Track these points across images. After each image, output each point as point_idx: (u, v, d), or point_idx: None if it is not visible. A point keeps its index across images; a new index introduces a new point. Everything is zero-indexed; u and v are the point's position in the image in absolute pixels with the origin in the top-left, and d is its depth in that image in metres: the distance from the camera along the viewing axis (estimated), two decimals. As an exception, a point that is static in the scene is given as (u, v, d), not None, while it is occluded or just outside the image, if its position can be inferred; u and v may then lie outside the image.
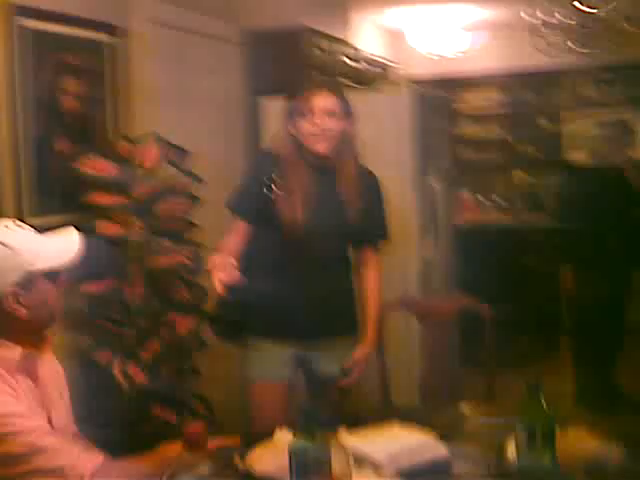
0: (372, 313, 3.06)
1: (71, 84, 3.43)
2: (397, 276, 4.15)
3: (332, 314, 3.00)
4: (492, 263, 5.87)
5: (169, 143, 3.48)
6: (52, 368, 2.17)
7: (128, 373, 3.20)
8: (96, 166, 3.30)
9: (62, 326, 3.21)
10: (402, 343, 3.77)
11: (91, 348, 3.30)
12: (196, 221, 3.53)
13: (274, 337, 3.02)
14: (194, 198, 3.46)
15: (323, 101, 2.94)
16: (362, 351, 3.03)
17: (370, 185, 3.08)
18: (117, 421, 3.33)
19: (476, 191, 7.42)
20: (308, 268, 2.97)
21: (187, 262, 3.35)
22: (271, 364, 3.02)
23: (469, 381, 3.37)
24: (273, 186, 2.96)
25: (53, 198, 3.32)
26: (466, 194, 6.71)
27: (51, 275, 2.01)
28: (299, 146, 2.98)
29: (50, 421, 2.06)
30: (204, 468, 1.51)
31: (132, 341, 3.31)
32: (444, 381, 3.31)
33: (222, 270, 2.74)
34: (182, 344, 3.39)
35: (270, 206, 2.96)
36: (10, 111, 3.10)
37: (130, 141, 3.45)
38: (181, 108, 4.24)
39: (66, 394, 2.22)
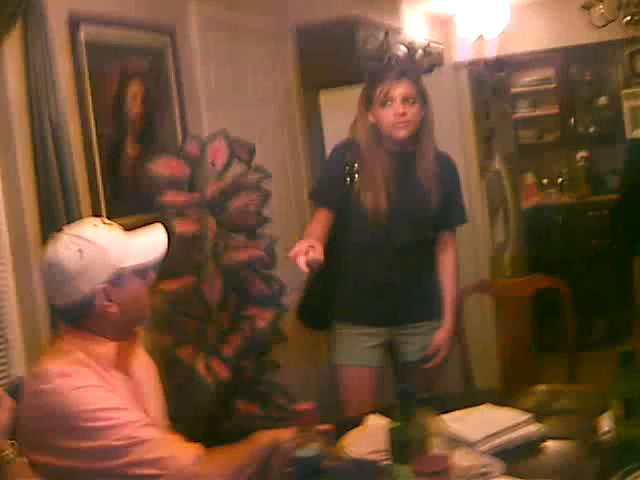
0: (451, 297, 3.08)
1: (135, 88, 3.48)
2: (470, 261, 4.15)
3: (415, 299, 3.03)
4: (561, 245, 5.82)
5: (237, 140, 3.51)
6: (145, 363, 2.20)
7: (211, 368, 3.24)
8: (168, 166, 3.34)
9: (146, 324, 3.30)
10: (481, 327, 3.76)
11: (173, 346, 3.35)
12: (267, 215, 3.56)
13: (359, 323, 3.06)
14: (265, 193, 3.49)
15: (403, 89, 2.98)
16: (442, 335, 3.05)
17: (448, 169, 3.12)
18: (202, 417, 3.39)
19: (539, 174, 7.33)
20: (390, 253, 3.01)
21: (262, 256, 3.38)
22: (360, 350, 3.06)
23: (549, 364, 3.34)
24: (354, 174, 3.01)
25: (128, 200, 3.38)
26: (530, 177, 6.64)
27: (140, 272, 2.04)
28: (379, 134, 3.03)
29: (146, 415, 2.09)
30: (316, 447, 1.51)
31: (213, 337, 3.36)
32: (522, 364, 3.29)
33: (306, 253, 2.70)
34: (262, 337, 3.42)
35: (352, 194, 3.01)
36: (81, 119, 3.16)
37: (199, 140, 3.49)
38: (242, 105, 4.27)
39: (159, 389, 2.25)
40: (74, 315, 2.00)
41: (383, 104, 2.99)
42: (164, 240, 2.09)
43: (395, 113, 2.97)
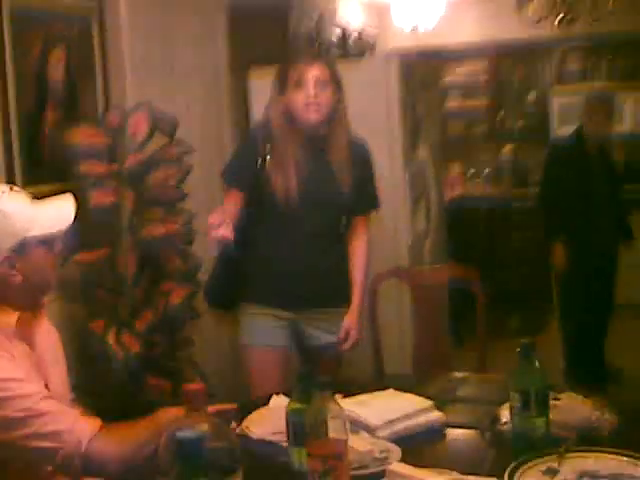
0: (359, 280, 3.07)
1: (59, 55, 3.40)
2: (389, 248, 4.18)
3: (325, 284, 3.03)
4: (481, 237, 5.91)
5: (159, 112, 3.47)
6: (48, 334, 2.17)
7: (123, 342, 3.21)
8: (87, 136, 3.28)
9: (57, 295, 3.24)
10: (395, 313, 3.79)
11: (86, 318, 3.31)
12: (187, 190, 3.53)
13: (267, 304, 3.05)
14: (186, 167, 3.45)
15: (316, 72, 2.95)
16: (350, 319, 3.05)
17: (361, 154, 3.10)
18: (112, 390, 3.36)
19: (465, 164, 7.42)
20: (300, 237, 3.00)
21: (180, 231, 3.35)
22: (266, 330, 3.06)
23: (460, 352, 3.39)
24: (266, 156, 3.00)
25: (45, 168, 3.31)
26: (455, 167, 6.73)
27: (46, 242, 2.00)
28: (291, 116, 3.00)
29: (47, 387, 2.05)
30: (204, 428, 1.51)
31: (126, 310, 3.32)
32: (436, 351, 3.34)
33: (218, 228, 2.70)
34: (176, 313, 3.39)
35: (263, 176, 2.99)
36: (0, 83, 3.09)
37: (121, 110, 3.44)
38: (169, 79, 4.22)
39: (62, 360, 2.22)
40: None
41: (296, 86, 2.97)
42: (72, 211, 2.05)
43: (307, 95, 2.94)
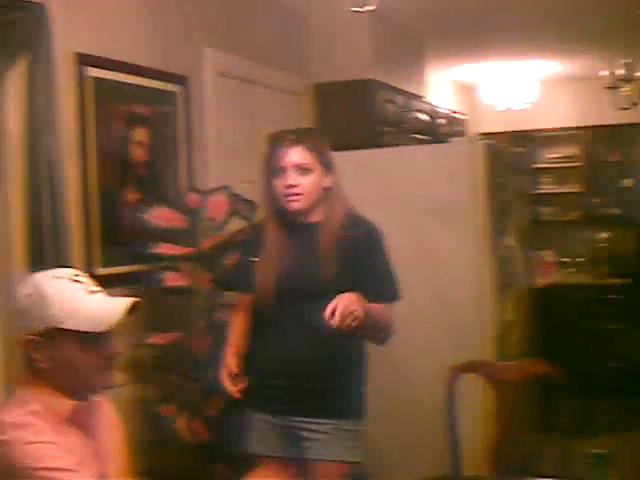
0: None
1: (141, 135, 3.44)
2: (473, 338, 4.02)
3: (318, 388, 2.74)
4: (573, 328, 5.70)
5: (238, 196, 3.45)
6: (110, 424, 2.12)
7: (193, 428, 3.14)
8: (165, 217, 3.28)
9: (129, 377, 3.21)
10: (475, 410, 3.62)
11: (157, 401, 3.26)
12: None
13: (254, 408, 2.83)
14: (263, 251, 3.40)
15: (296, 157, 2.75)
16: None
17: (362, 239, 2.78)
18: (179, 476, 3.28)
19: (559, 251, 7.20)
20: (283, 335, 2.76)
21: (254, 316, 3.28)
22: (261, 438, 2.83)
23: (543, 450, 3.20)
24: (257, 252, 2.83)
25: (122, 248, 3.31)
26: (548, 254, 6.52)
27: (85, 340, 1.92)
28: (276, 207, 2.82)
29: (104, 475, 2.01)
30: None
31: (198, 395, 3.25)
32: (518, 451, 3.15)
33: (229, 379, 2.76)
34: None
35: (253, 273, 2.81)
36: (80, 161, 3.11)
37: (200, 193, 3.43)
38: (251, 161, 4.22)
39: (124, 451, 2.16)
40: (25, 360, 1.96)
41: (275, 173, 2.77)
42: (119, 315, 1.95)
43: (285, 184, 2.75)
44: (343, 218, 2.79)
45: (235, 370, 2.78)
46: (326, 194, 2.80)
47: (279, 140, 2.79)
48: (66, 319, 1.90)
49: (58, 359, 1.92)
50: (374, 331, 2.76)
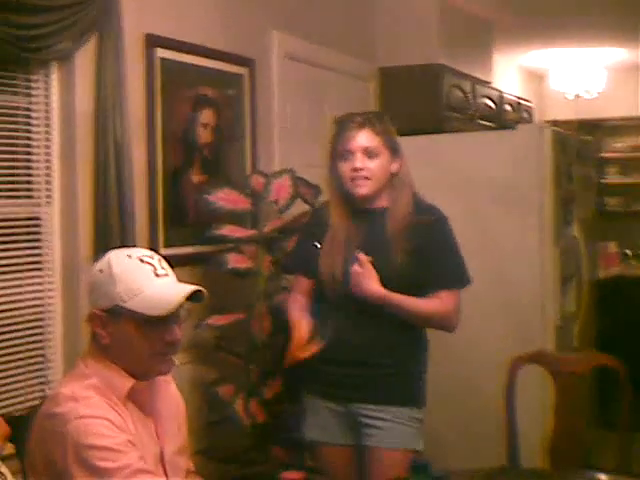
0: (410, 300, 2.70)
1: (207, 117, 3.45)
2: (536, 329, 3.97)
3: (381, 376, 2.74)
4: (634, 319, 5.58)
5: (302, 180, 3.45)
6: (171, 401, 2.13)
7: (250, 410, 3.16)
8: (229, 199, 3.29)
9: (189, 357, 3.24)
10: (535, 401, 3.57)
11: (215, 382, 3.29)
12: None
13: (319, 396, 2.82)
14: (325, 236, 3.40)
15: (363, 141, 2.71)
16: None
17: (431, 226, 2.76)
18: (236, 457, 3.31)
19: (623, 243, 7.06)
20: (350, 323, 2.74)
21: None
22: (323, 425, 2.82)
23: (603, 447, 3.15)
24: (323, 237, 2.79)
25: (187, 230, 3.34)
26: (612, 246, 6.39)
27: (141, 319, 1.92)
28: (342, 191, 2.78)
29: (162, 454, 2.02)
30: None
31: (256, 377, 3.27)
32: (576, 445, 3.10)
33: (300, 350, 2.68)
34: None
35: (318, 258, 2.78)
36: (147, 143, 3.14)
37: (265, 176, 3.44)
38: (315, 145, 4.22)
39: (184, 430, 2.17)
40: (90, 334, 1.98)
41: (343, 157, 2.73)
42: (179, 301, 1.95)
43: (352, 168, 2.70)
44: (410, 204, 2.76)
45: (305, 337, 2.71)
46: (393, 179, 2.76)
47: (346, 123, 2.75)
48: (128, 299, 1.91)
49: (119, 338, 1.94)
50: (419, 321, 2.78)
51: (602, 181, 7.05)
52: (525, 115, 6.17)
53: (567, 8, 5.01)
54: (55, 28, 2.63)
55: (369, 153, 2.71)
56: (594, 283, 4.99)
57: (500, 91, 5.65)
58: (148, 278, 1.95)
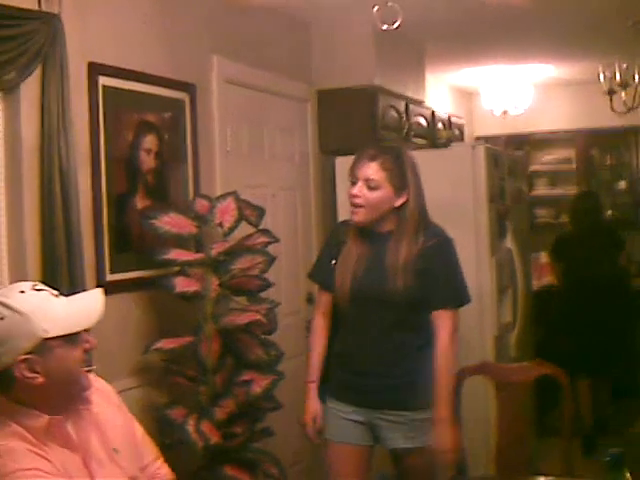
0: (439, 382, 2.87)
1: (150, 142, 3.48)
2: (474, 340, 4.08)
3: (396, 383, 2.94)
4: (573, 326, 5.75)
5: (246, 202, 3.50)
6: (95, 429, 2.04)
7: (203, 431, 3.18)
8: (174, 223, 3.33)
9: (138, 381, 3.25)
10: (480, 411, 3.67)
11: (166, 405, 3.30)
12: (271, 279, 3.53)
13: (341, 400, 3.01)
14: (270, 257, 3.46)
15: (367, 172, 2.88)
16: (440, 430, 2.84)
17: (434, 248, 2.92)
18: (189, 479, 3.32)
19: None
20: (365, 334, 2.96)
21: (262, 320, 3.33)
22: (343, 427, 3.00)
23: (546, 452, 3.25)
24: (339, 254, 3.01)
25: (133, 254, 3.36)
26: (544, 256, 6.58)
27: (71, 339, 1.94)
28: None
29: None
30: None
31: (207, 399, 3.30)
32: (521, 452, 3.20)
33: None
34: (257, 403, 3.36)
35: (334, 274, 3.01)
36: (93, 169, 3.16)
37: (209, 199, 3.48)
38: (257, 167, 4.28)
39: (126, 451, 2.09)
40: (2, 384, 1.92)
41: (351, 183, 2.94)
42: (99, 306, 1.99)
43: (351, 193, 2.92)
44: (415, 231, 2.91)
45: (319, 421, 3.04)
46: (398, 210, 2.91)
47: (362, 152, 2.94)
48: (50, 328, 1.89)
49: (54, 368, 1.90)
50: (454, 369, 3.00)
51: (532, 194, 7.24)
52: (457, 132, 6.32)
53: (494, 29, 5.16)
54: (0, 60, 2.65)
55: (369, 184, 2.88)
56: (529, 294, 5.13)
57: (432, 110, 5.78)
58: (51, 302, 1.95)
